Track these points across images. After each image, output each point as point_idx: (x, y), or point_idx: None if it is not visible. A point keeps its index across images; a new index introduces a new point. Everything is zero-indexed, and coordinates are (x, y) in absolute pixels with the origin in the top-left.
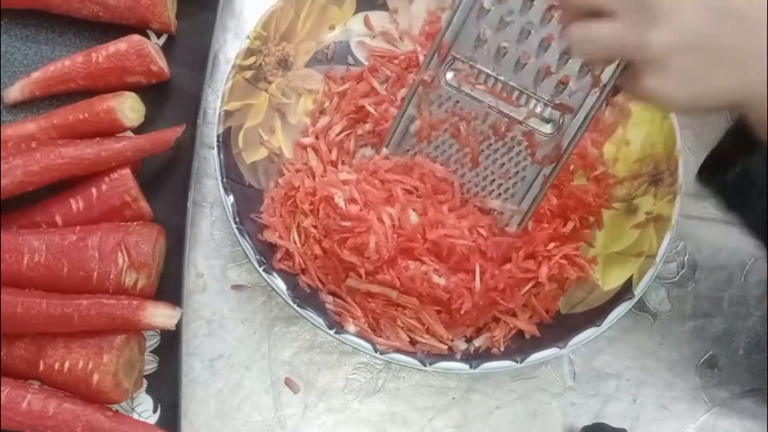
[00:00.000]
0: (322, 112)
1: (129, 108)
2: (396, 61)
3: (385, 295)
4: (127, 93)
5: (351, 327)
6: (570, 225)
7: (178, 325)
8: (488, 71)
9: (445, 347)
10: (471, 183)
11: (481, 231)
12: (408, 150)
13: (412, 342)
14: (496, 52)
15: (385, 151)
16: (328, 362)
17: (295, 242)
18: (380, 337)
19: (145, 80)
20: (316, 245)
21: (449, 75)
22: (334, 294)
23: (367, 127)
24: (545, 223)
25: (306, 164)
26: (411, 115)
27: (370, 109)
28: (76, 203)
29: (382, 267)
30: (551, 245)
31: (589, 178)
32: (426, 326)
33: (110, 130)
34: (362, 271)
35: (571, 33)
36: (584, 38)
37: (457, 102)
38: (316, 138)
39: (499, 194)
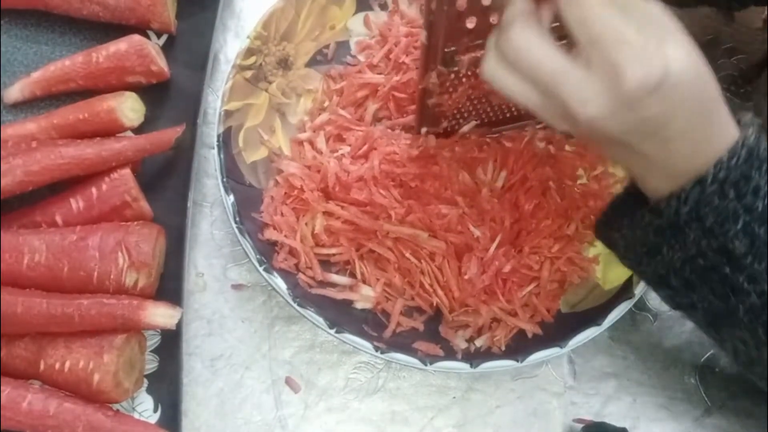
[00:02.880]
0: (321, 110)
1: (129, 108)
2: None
3: (413, 240)
4: (127, 93)
5: (366, 291)
6: (572, 226)
7: (179, 324)
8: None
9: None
10: (507, 110)
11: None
12: (444, 125)
13: (422, 309)
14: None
15: (424, 130)
16: (329, 361)
17: (301, 240)
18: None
19: (145, 80)
20: (338, 222)
21: (456, 60)
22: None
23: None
24: (549, 219)
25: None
26: (433, 104)
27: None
28: (76, 203)
29: (413, 207)
30: (555, 247)
31: (589, 178)
32: (441, 281)
33: (110, 130)
34: (393, 213)
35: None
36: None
37: (472, 69)
38: (314, 132)
39: None
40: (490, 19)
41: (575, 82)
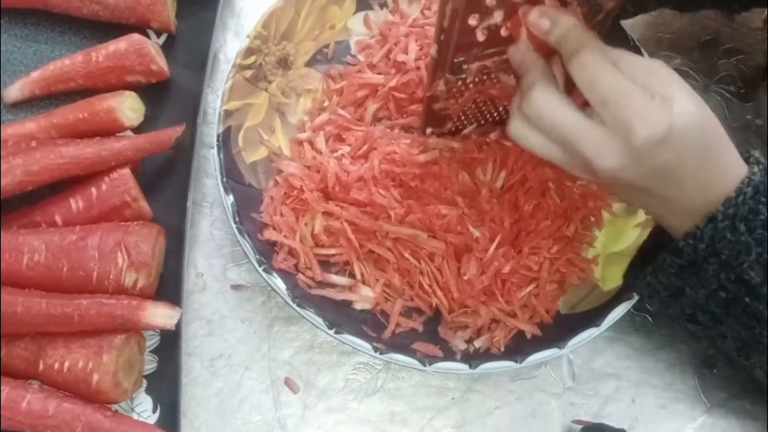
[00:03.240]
0: (321, 110)
1: (129, 107)
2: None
3: (412, 240)
4: (127, 92)
5: (365, 292)
6: (572, 227)
7: (178, 324)
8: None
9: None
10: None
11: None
12: (449, 126)
13: (421, 309)
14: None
15: (429, 130)
16: (328, 362)
17: (301, 241)
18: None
19: (145, 80)
20: (337, 222)
21: (465, 69)
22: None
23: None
24: (549, 220)
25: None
26: (439, 108)
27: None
28: (76, 203)
29: (413, 208)
30: (554, 248)
31: None
32: (441, 282)
33: (110, 129)
34: (393, 213)
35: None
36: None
37: (479, 77)
38: (314, 132)
39: None
40: (501, 32)
41: (592, 138)
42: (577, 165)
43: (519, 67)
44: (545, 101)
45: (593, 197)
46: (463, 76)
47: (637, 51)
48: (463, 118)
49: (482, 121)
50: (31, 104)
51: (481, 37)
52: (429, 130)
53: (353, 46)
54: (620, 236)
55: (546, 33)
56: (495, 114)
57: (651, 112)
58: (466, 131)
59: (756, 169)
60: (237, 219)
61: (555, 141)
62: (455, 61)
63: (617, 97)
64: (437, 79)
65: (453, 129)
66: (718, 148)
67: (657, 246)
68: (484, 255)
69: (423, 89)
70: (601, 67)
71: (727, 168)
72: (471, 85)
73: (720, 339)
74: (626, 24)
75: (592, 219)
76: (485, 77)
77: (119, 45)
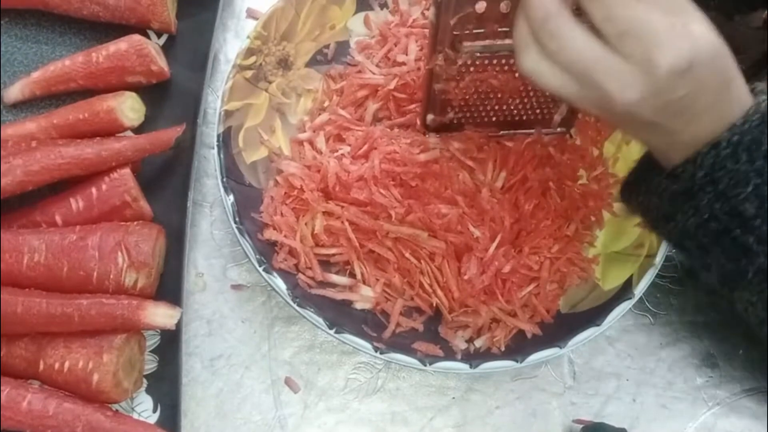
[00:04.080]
0: (321, 110)
1: (129, 108)
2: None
3: (413, 240)
4: (128, 93)
5: (365, 291)
6: (572, 227)
7: (178, 324)
8: (499, 28)
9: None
10: (516, 113)
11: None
12: (450, 116)
13: (421, 309)
14: (501, 13)
15: (430, 117)
16: (328, 362)
17: (301, 241)
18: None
19: (146, 80)
20: (338, 221)
21: (464, 46)
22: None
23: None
24: (549, 220)
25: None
26: (440, 89)
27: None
28: (76, 203)
29: (413, 207)
30: (554, 247)
31: (589, 178)
32: (441, 281)
33: (110, 129)
34: (393, 212)
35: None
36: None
37: (479, 60)
38: (314, 132)
39: (543, 114)
40: (500, 7)
41: (614, 71)
42: (591, 100)
43: None
44: (569, 32)
45: (594, 197)
46: (465, 54)
47: None
48: (465, 109)
49: (485, 119)
50: (31, 104)
51: (479, 9)
52: (430, 117)
53: (353, 46)
54: (621, 236)
55: None
56: (498, 113)
57: (673, 40)
58: (466, 132)
59: (762, 98)
60: (237, 219)
61: (574, 75)
62: (455, 34)
63: (636, 27)
64: (437, 52)
65: (455, 121)
66: (731, 79)
67: (652, 165)
68: (485, 254)
69: (424, 63)
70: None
71: (737, 99)
72: (472, 68)
73: (705, 270)
74: None
75: (593, 218)
76: (486, 62)
77: (120, 45)
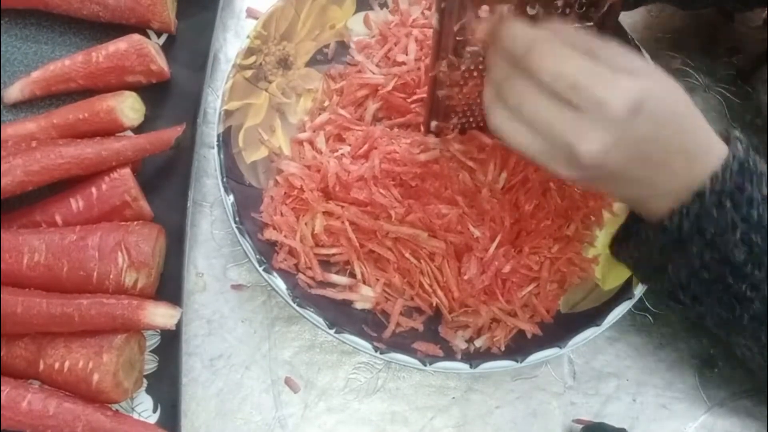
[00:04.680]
0: (321, 110)
1: (129, 107)
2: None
3: (413, 240)
4: (127, 92)
5: (365, 291)
6: (572, 227)
7: (178, 324)
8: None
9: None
10: None
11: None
12: (454, 122)
13: (421, 309)
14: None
15: (434, 123)
16: (329, 362)
17: (301, 240)
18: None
19: (145, 80)
20: (338, 221)
21: (467, 51)
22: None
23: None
24: (549, 220)
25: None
26: (444, 95)
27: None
28: (76, 203)
29: (413, 207)
30: (554, 247)
31: None
32: (441, 281)
33: (110, 129)
34: (393, 212)
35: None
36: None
37: (482, 64)
38: (314, 132)
39: None
40: (505, 10)
41: (572, 124)
42: (559, 158)
43: (491, 57)
44: (528, 90)
45: (594, 197)
46: (469, 58)
47: (637, 51)
48: (468, 114)
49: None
50: (31, 104)
51: (483, 13)
52: (434, 124)
53: (353, 46)
54: None
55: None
56: None
57: (620, 83)
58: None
59: (739, 145)
60: (237, 219)
61: (538, 132)
62: (458, 39)
63: (585, 78)
64: (440, 59)
65: (459, 126)
66: (694, 123)
67: (640, 220)
68: (485, 254)
69: (427, 70)
70: (560, 53)
71: (708, 146)
72: (475, 73)
73: (700, 320)
74: (626, 24)
75: (593, 218)
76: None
77: (119, 45)
